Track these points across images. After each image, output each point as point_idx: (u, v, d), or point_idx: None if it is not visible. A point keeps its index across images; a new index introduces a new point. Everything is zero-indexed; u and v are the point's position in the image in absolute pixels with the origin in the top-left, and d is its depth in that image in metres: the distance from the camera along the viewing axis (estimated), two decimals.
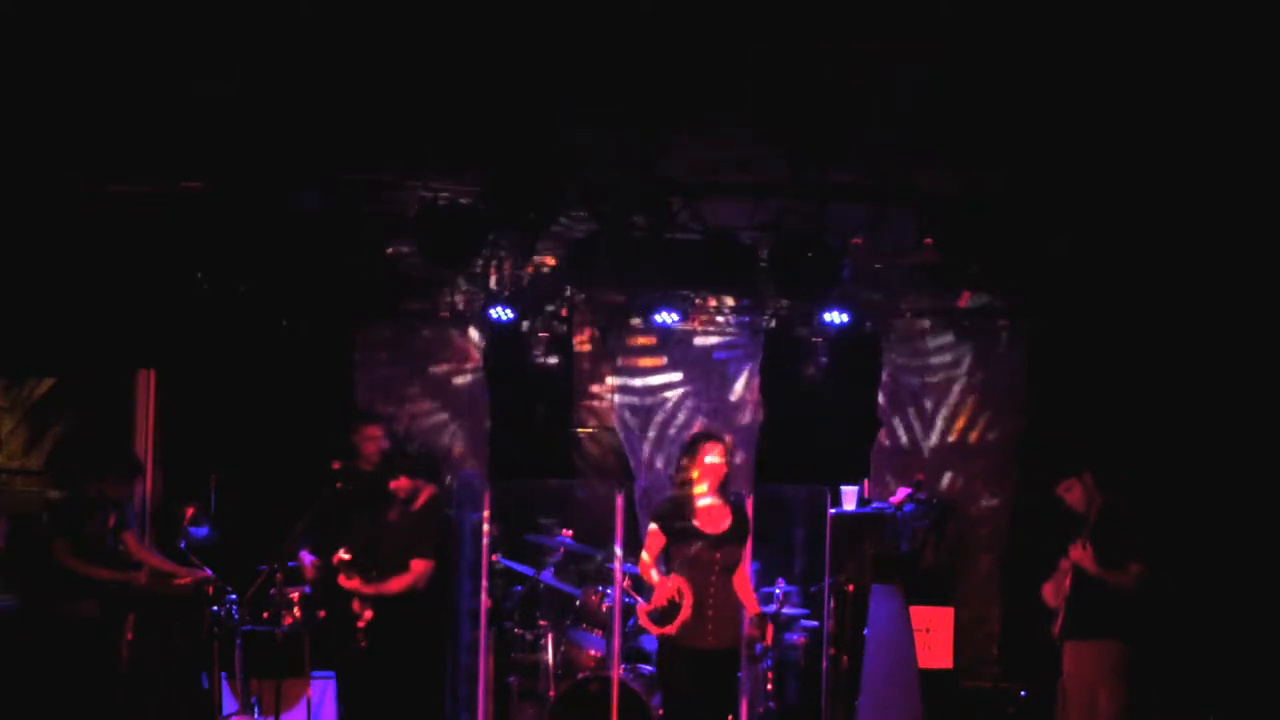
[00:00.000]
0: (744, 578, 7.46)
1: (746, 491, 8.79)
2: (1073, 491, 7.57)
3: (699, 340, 10.48)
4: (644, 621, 7.48)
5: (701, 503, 7.31)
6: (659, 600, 7.27)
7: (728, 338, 10.46)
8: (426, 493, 8.07)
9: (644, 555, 7.47)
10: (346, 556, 7.94)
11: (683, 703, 7.37)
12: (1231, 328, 8.71)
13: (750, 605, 7.50)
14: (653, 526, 7.42)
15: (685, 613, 7.21)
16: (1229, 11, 5.55)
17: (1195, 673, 8.49)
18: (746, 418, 10.43)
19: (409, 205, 8.47)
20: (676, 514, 7.34)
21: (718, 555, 7.26)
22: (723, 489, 7.32)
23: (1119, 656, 7.36)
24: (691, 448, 7.41)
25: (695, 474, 7.30)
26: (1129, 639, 7.36)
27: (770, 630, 7.53)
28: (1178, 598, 8.16)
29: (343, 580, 7.97)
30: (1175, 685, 8.28)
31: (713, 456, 7.29)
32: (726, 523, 7.30)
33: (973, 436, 10.14)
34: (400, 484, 8.13)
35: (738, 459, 9.32)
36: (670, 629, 7.23)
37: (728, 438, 7.42)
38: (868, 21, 5.59)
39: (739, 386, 10.44)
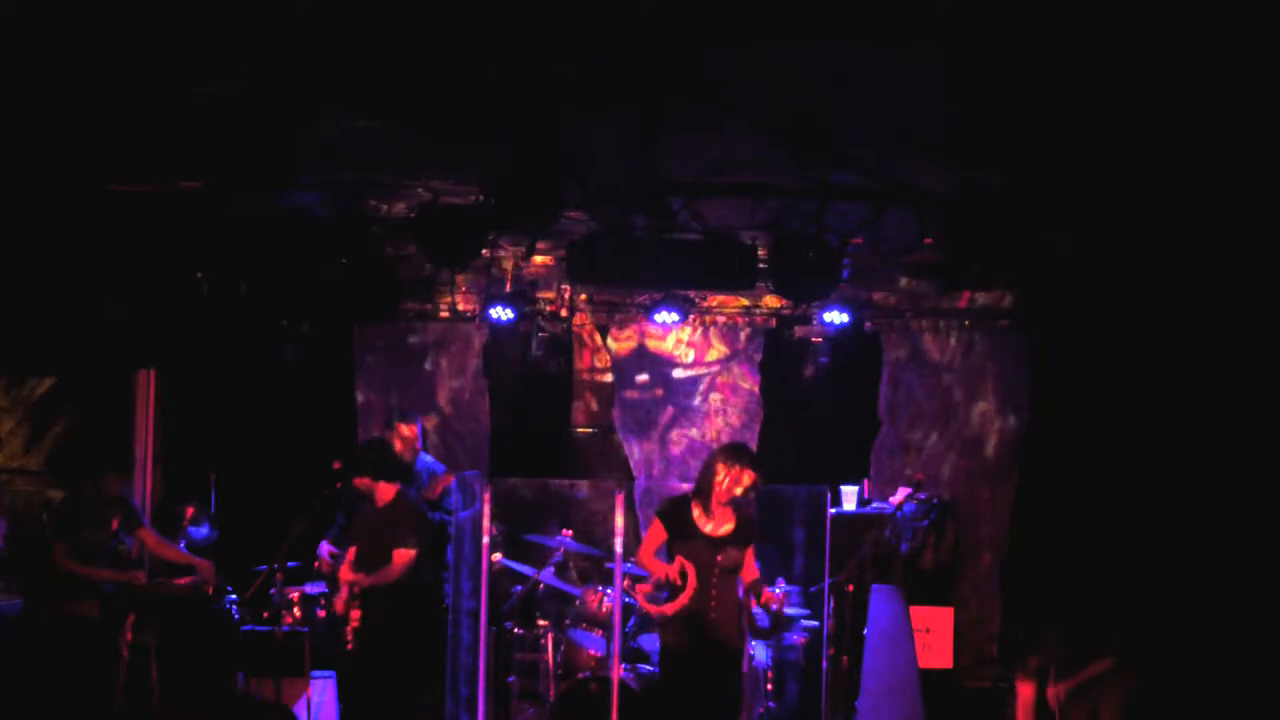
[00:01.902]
0: (750, 568, 7.44)
1: None
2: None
3: (699, 339, 10.49)
4: (641, 602, 7.47)
5: (708, 508, 7.30)
6: (658, 576, 7.25)
7: (728, 338, 10.47)
8: (390, 490, 8.13)
9: (642, 547, 7.46)
10: (352, 554, 8.00)
11: (684, 704, 7.37)
12: (1234, 325, 8.70)
13: (748, 577, 7.44)
14: (655, 521, 7.42)
15: (686, 596, 7.18)
16: (1230, 10, 5.55)
17: (1200, 696, 8.45)
18: (745, 417, 10.44)
19: (409, 205, 8.47)
20: (680, 513, 7.33)
21: (719, 558, 7.24)
22: (735, 501, 7.29)
23: (1123, 682, 7.38)
24: (725, 461, 7.30)
25: (718, 487, 7.24)
26: (1133, 668, 7.38)
27: (768, 595, 7.47)
28: (1182, 617, 8.16)
29: (343, 573, 8.01)
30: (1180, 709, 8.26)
31: (741, 480, 7.22)
32: (729, 526, 7.28)
33: (973, 436, 10.14)
34: (361, 483, 8.18)
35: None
36: (669, 608, 7.21)
37: (750, 468, 7.33)
38: (868, 20, 5.59)
39: (738, 387, 10.45)
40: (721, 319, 10.43)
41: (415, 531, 8.09)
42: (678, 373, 10.51)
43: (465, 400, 10.48)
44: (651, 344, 10.52)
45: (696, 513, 7.28)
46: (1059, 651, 7.40)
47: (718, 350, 10.48)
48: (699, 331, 10.47)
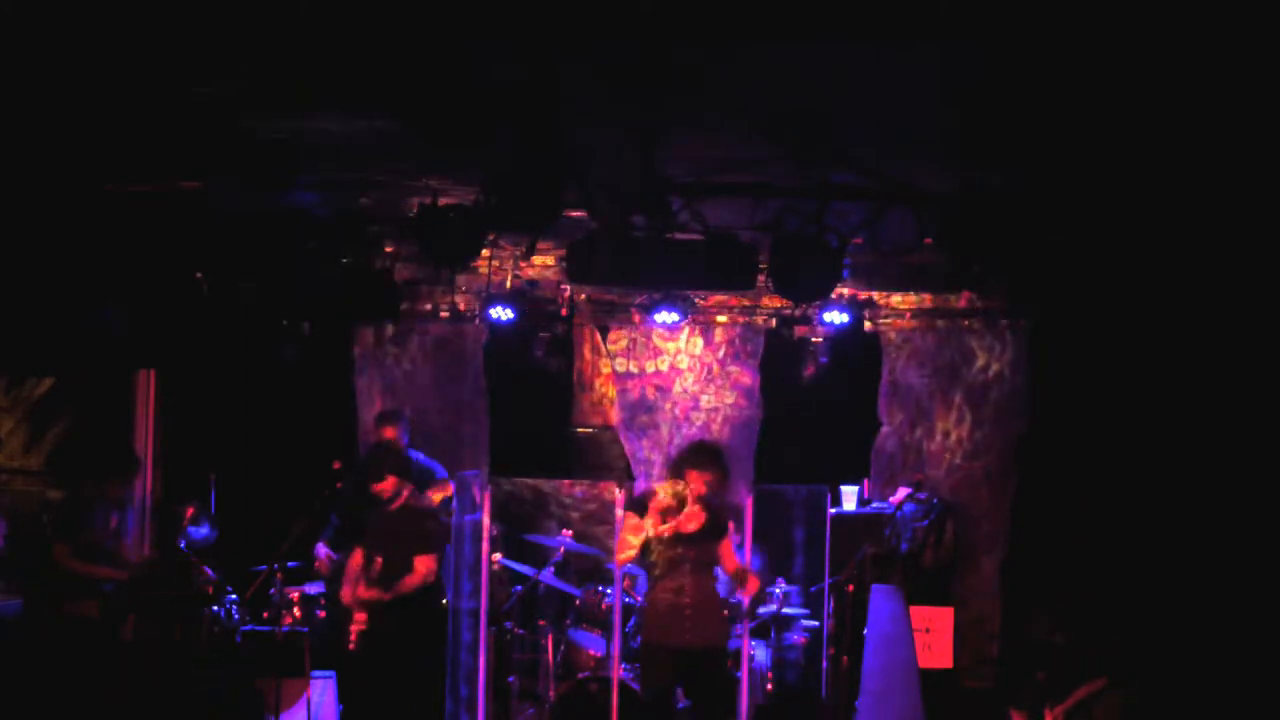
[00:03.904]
0: (728, 551, 7.50)
1: (747, 491, 8.81)
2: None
3: (699, 339, 10.49)
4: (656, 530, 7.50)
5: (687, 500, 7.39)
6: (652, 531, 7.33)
7: (728, 337, 10.47)
8: (405, 493, 8.14)
9: (619, 540, 7.53)
10: (379, 565, 7.99)
11: (664, 702, 7.41)
12: (1235, 326, 8.70)
13: (730, 567, 7.52)
14: (629, 515, 7.50)
15: (685, 516, 7.26)
16: (1231, 11, 5.55)
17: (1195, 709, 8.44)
18: (746, 417, 10.44)
19: (409, 205, 8.47)
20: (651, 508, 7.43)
21: (692, 553, 7.32)
22: (702, 498, 7.37)
23: (1118, 698, 7.39)
24: (691, 463, 7.43)
25: (680, 496, 7.35)
26: (1128, 682, 7.40)
27: (752, 585, 7.56)
28: (1180, 620, 8.16)
29: (362, 591, 8.00)
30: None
31: (705, 480, 7.34)
32: (699, 521, 7.35)
33: (973, 436, 10.14)
34: (386, 485, 8.18)
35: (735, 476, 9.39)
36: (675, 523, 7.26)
37: (714, 470, 7.45)
38: (868, 20, 5.59)
39: (738, 387, 10.45)
40: (721, 319, 10.43)
41: (434, 536, 8.06)
42: (678, 373, 10.51)
43: (465, 400, 10.48)
44: (651, 343, 10.52)
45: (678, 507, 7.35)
46: (1054, 671, 7.43)
47: (718, 350, 10.48)
48: (699, 331, 10.47)
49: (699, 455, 7.49)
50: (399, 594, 7.94)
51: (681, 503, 7.30)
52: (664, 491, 7.40)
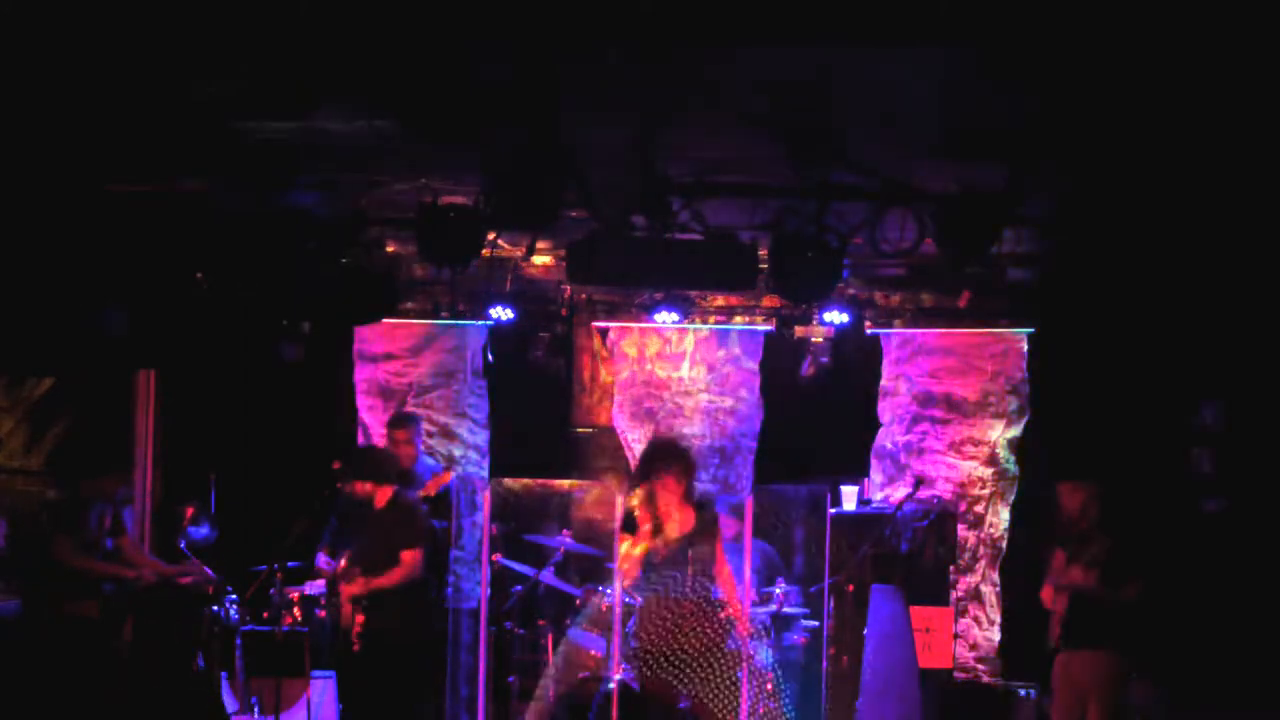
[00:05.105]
0: (726, 578, 7.46)
1: (747, 492, 8.81)
2: (1075, 496, 7.57)
3: (699, 339, 10.49)
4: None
5: (668, 509, 7.35)
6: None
7: (728, 337, 10.47)
8: (387, 493, 8.16)
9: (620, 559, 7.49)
10: (343, 565, 8.03)
11: (662, 704, 7.39)
12: (1233, 320, 8.71)
13: (731, 602, 7.48)
14: (623, 536, 7.45)
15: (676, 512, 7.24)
16: (1230, 14, 5.55)
17: (1189, 683, 8.47)
18: (745, 417, 10.44)
19: (409, 205, 8.48)
20: (640, 519, 7.39)
21: (690, 555, 7.29)
22: (684, 497, 7.33)
23: (1112, 667, 7.39)
24: (649, 476, 7.35)
25: (652, 497, 7.30)
26: (1123, 650, 7.39)
27: (741, 629, 7.52)
28: (1173, 607, 8.17)
29: (344, 588, 8.04)
30: (1169, 695, 8.27)
31: (673, 486, 7.29)
32: (690, 523, 7.32)
33: (973, 436, 10.13)
34: (362, 488, 8.20)
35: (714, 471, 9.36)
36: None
37: (680, 460, 7.39)
38: (868, 20, 5.60)
39: (737, 386, 10.45)
40: (721, 319, 10.43)
41: (419, 531, 8.12)
42: (677, 373, 10.51)
43: (465, 400, 10.48)
44: (651, 344, 10.52)
45: (659, 515, 7.31)
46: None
47: (717, 350, 10.48)
48: (698, 331, 10.47)
49: (665, 455, 7.39)
50: (385, 584, 7.96)
51: (656, 520, 7.23)
52: (635, 508, 7.30)
